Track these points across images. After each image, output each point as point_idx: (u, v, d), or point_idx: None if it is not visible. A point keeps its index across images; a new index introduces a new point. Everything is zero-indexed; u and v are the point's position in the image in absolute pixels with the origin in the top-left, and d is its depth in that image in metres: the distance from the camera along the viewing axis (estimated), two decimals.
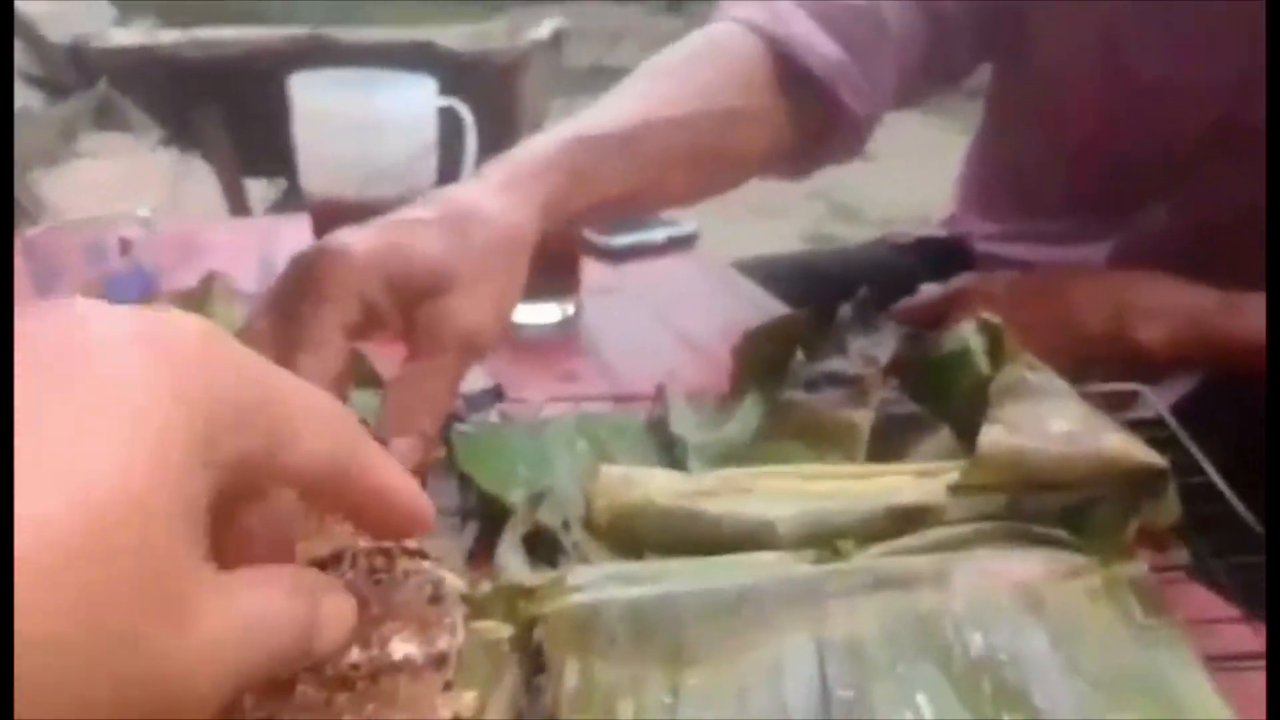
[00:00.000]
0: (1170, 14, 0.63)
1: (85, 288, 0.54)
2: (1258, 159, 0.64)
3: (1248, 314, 0.59)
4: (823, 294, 0.81)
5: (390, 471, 0.24)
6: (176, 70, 1.28)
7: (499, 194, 0.43)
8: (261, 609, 0.21)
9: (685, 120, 0.54)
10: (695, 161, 0.55)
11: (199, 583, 0.19)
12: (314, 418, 0.22)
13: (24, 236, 0.57)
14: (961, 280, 0.64)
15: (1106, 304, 0.60)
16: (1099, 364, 0.60)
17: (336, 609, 0.24)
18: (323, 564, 0.32)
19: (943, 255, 0.87)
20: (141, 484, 0.18)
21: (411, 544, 0.33)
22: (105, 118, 2.96)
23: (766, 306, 0.70)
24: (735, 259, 0.83)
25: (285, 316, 0.35)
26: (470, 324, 0.38)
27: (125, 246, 0.53)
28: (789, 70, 0.60)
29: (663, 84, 0.57)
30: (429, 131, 0.67)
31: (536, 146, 0.47)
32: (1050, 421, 0.35)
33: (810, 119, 0.62)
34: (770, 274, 0.80)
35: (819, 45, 0.60)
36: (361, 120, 0.63)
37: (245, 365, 0.21)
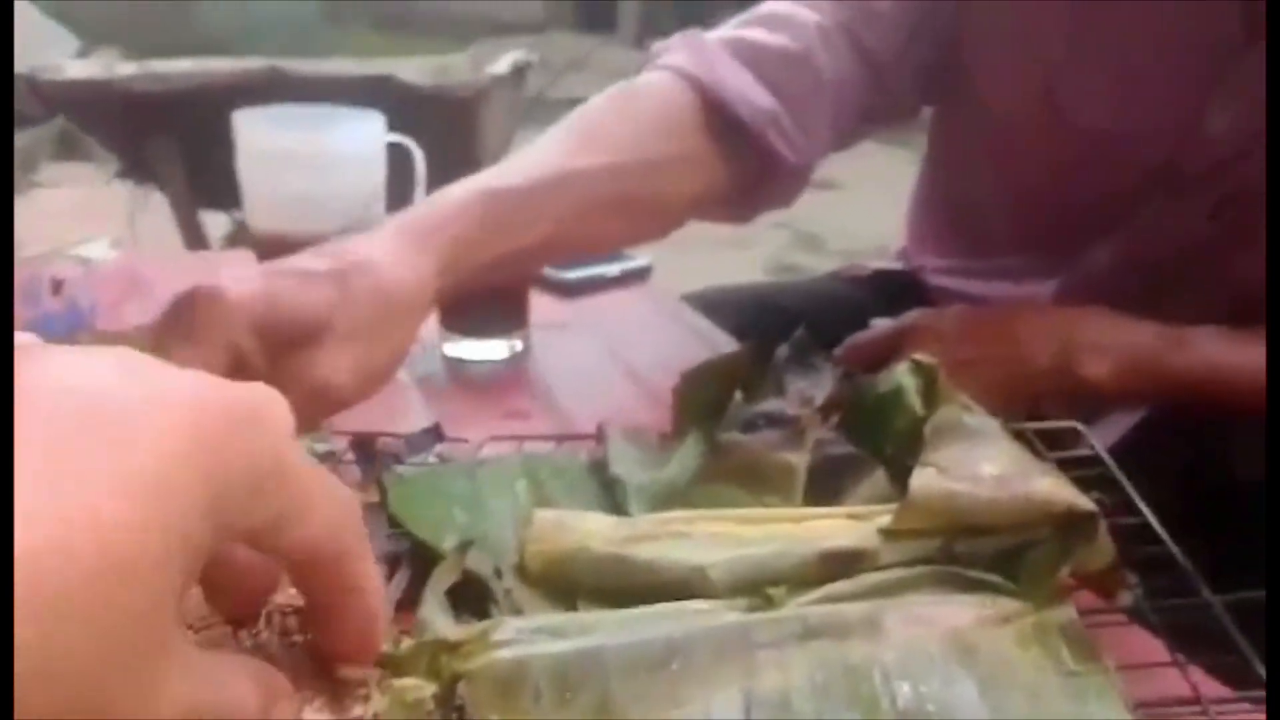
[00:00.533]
0: (1109, 64, 0.64)
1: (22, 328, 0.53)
2: (1200, 199, 0.65)
3: (1191, 349, 0.60)
4: (776, 328, 0.81)
5: (370, 575, 0.25)
6: (131, 103, 1.27)
7: (395, 248, 0.43)
8: (223, 696, 0.21)
9: (604, 169, 0.54)
10: (619, 208, 0.55)
11: (170, 653, 0.19)
12: (324, 502, 0.22)
13: None
14: (911, 316, 0.64)
15: (1052, 340, 0.60)
16: (1046, 399, 0.61)
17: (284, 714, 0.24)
18: (238, 623, 0.31)
19: (897, 289, 0.88)
20: (130, 545, 0.18)
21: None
22: (65, 148, 2.93)
23: (717, 342, 0.70)
24: (687, 292, 0.83)
25: (161, 355, 0.35)
26: (326, 378, 0.38)
27: (56, 286, 0.52)
28: (720, 118, 0.60)
29: (580, 135, 0.57)
30: (377, 168, 0.66)
31: (443, 199, 0.48)
32: (981, 464, 0.35)
33: (744, 165, 0.63)
34: (723, 307, 0.80)
35: (750, 94, 0.61)
36: (307, 157, 0.62)
37: (268, 442, 0.21)
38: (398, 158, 0.71)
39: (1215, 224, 0.65)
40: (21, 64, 2.88)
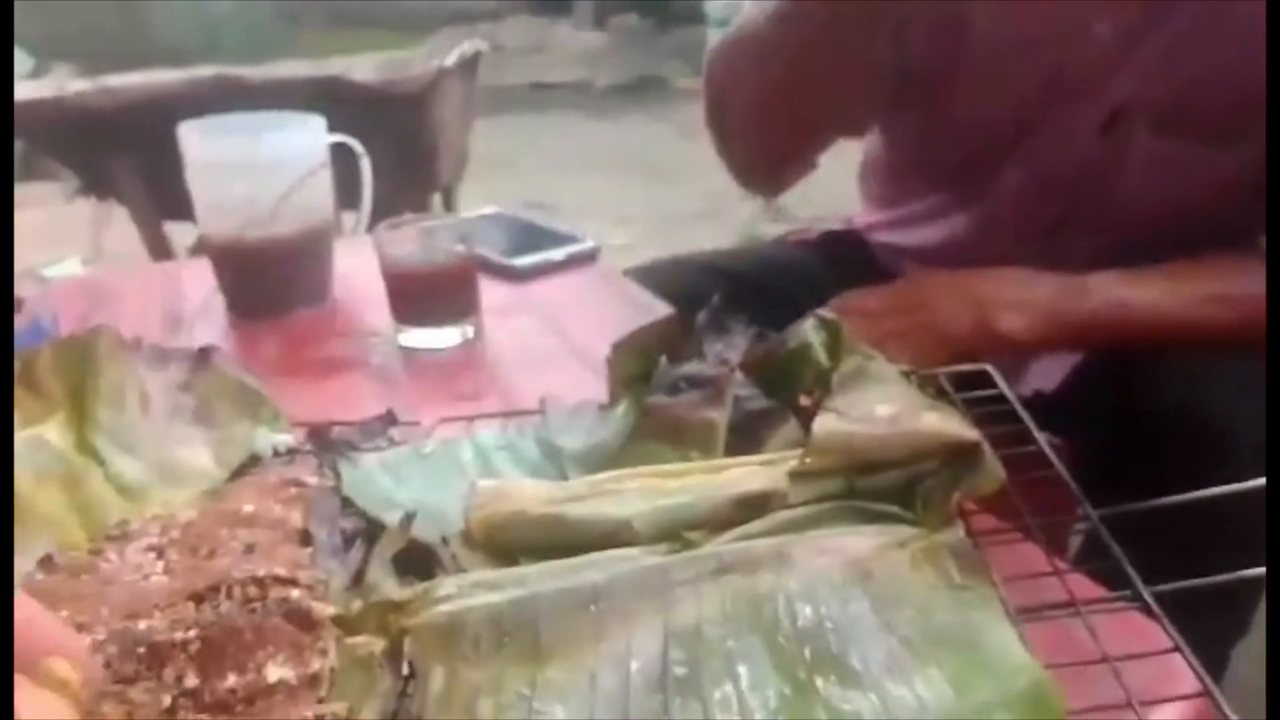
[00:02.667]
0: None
1: None
2: (1091, 111, 0.69)
3: (1093, 295, 0.64)
4: (725, 296, 0.85)
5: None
6: (85, 120, 1.28)
7: None
8: None
9: None
10: None
11: None
12: None
13: None
14: (839, 299, 0.68)
15: (965, 303, 0.64)
16: (971, 358, 0.65)
17: None
18: (199, 597, 0.34)
19: (843, 249, 0.92)
20: None
21: (283, 572, 0.35)
22: (27, 169, 2.91)
23: (659, 314, 0.73)
24: (633, 266, 0.86)
25: None
26: None
27: (18, 304, 0.54)
28: None
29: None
30: (320, 169, 0.69)
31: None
32: (876, 406, 0.39)
33: None
34: (671, 279, 0.83)
35: None
36: (249, 163, 0.64)
37: None
38: (347, 158, 0.73)
39: (1107, 141, 0.69)
40: None
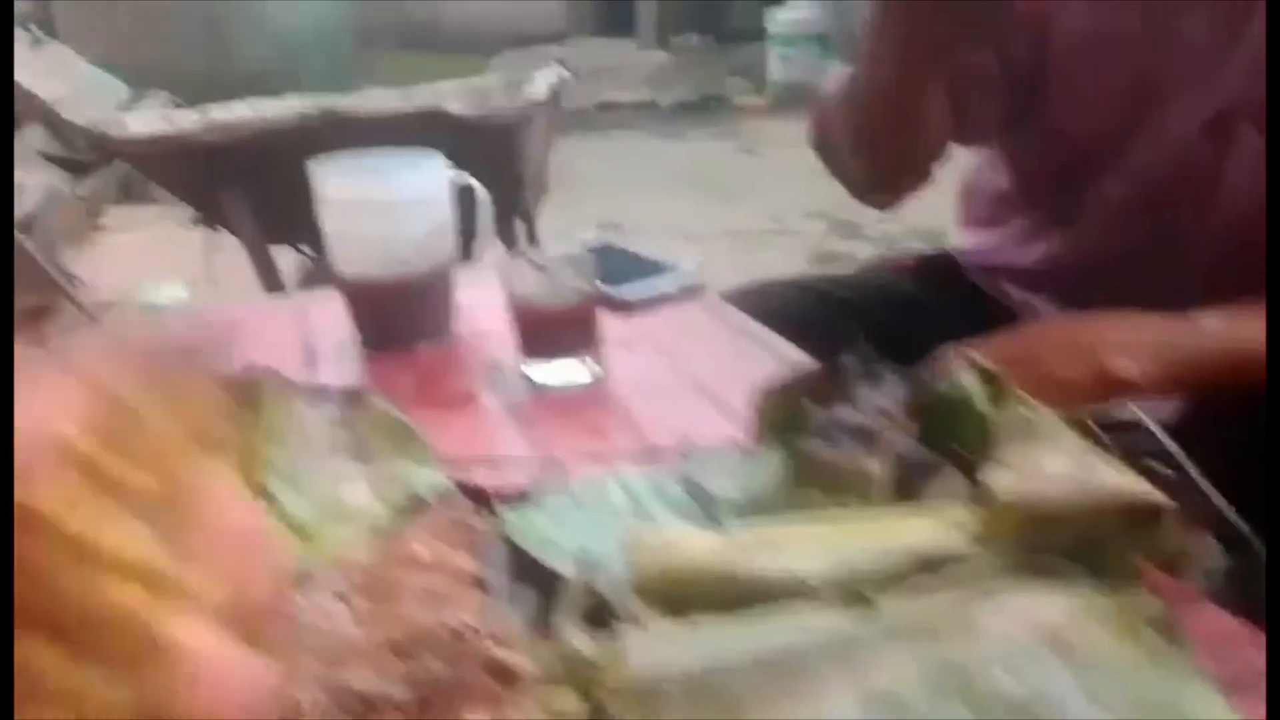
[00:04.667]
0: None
1: None
2: (1190, 113, 0.67)
3: (1204, 332, 0.63)
4: (828, 323, 0.85)
5: None
6: (197, 154, 1.33)
7: None
8: None
9: None
10: None
11: None
12: None
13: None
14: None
15: (1077, 351, 0.63)
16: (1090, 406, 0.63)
17: None
18: (401, 649, 0.35)
19: (941, 276, 0.91)
20: None
21: (474, 623, 0.36)
22: (128, 192, 3.03)
23: (773, 346, 0.73)
24: (736, 287, 0.86)
25: None
26: None
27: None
28: None
29: None
30: (445, 207, 0.70)
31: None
32: (1052, 462, 0.38)
33: None
34: (769, 302, 0.83)
35: None
36: (381, 203, 0.66)
37: None
38: (458, 193, 0.75)
39: (1210, 144, 0.67)
40: (79, 114, 3.00)
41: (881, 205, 0.82)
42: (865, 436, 0.44)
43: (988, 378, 0.43)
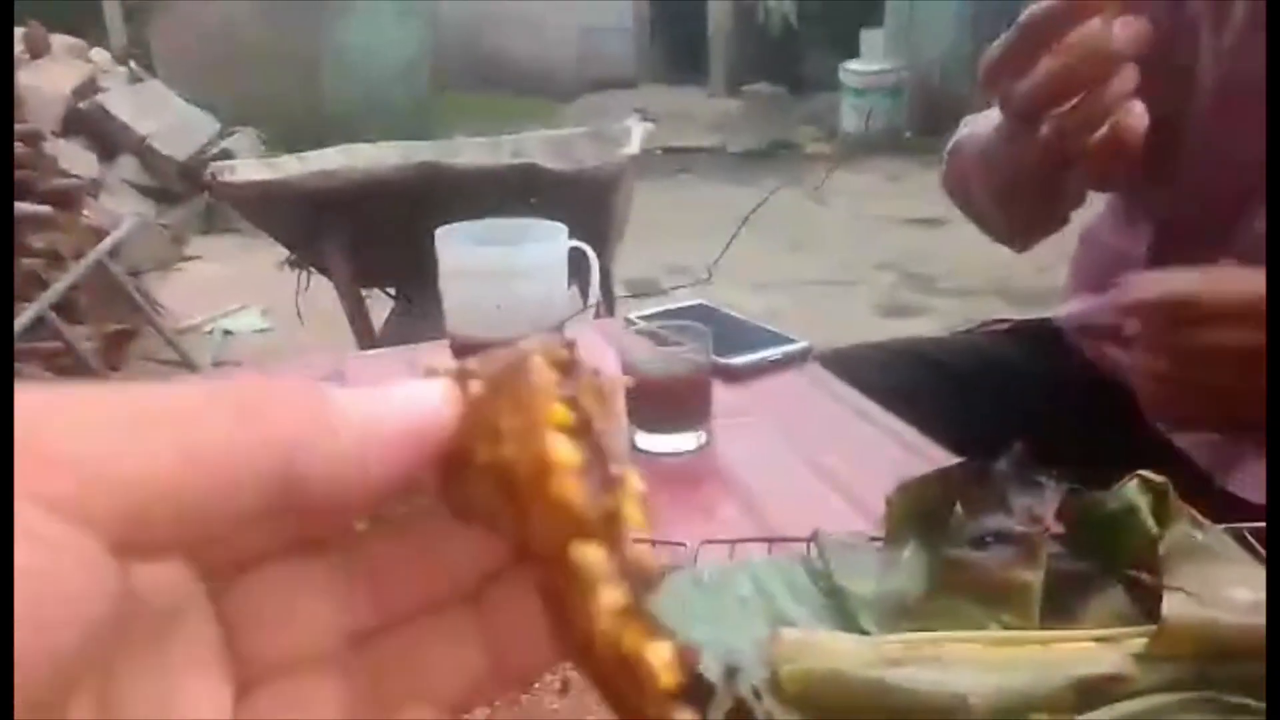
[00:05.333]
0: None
1: None
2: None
3: None
4: (925, 390, 0.82)
5: None
6: (303, 200, 1.38)
7: None
8: None
9: None
10: None
11: None
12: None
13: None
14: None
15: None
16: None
17: None
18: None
19: (1039, 338, 0.89)
20: None
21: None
22: (210, 222, 3.15)
23: (889, 427, 0.72)
24: (827, 350, 0.85)
25: None
26: None
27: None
28: None
29: None
30: (561, 274, 0.71)
31: None
32: (1231, 588, 0.36)
33: None
34: (864, 366, 0.82)
35: None
36: (504, 271, 0.67)
37: None
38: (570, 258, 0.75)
39: None
40: (177, 149, 3.12)
41: (1020, 248, 0.83)
42: (1021, 545, 0.42)
43: (1155, 491, 0.42)
